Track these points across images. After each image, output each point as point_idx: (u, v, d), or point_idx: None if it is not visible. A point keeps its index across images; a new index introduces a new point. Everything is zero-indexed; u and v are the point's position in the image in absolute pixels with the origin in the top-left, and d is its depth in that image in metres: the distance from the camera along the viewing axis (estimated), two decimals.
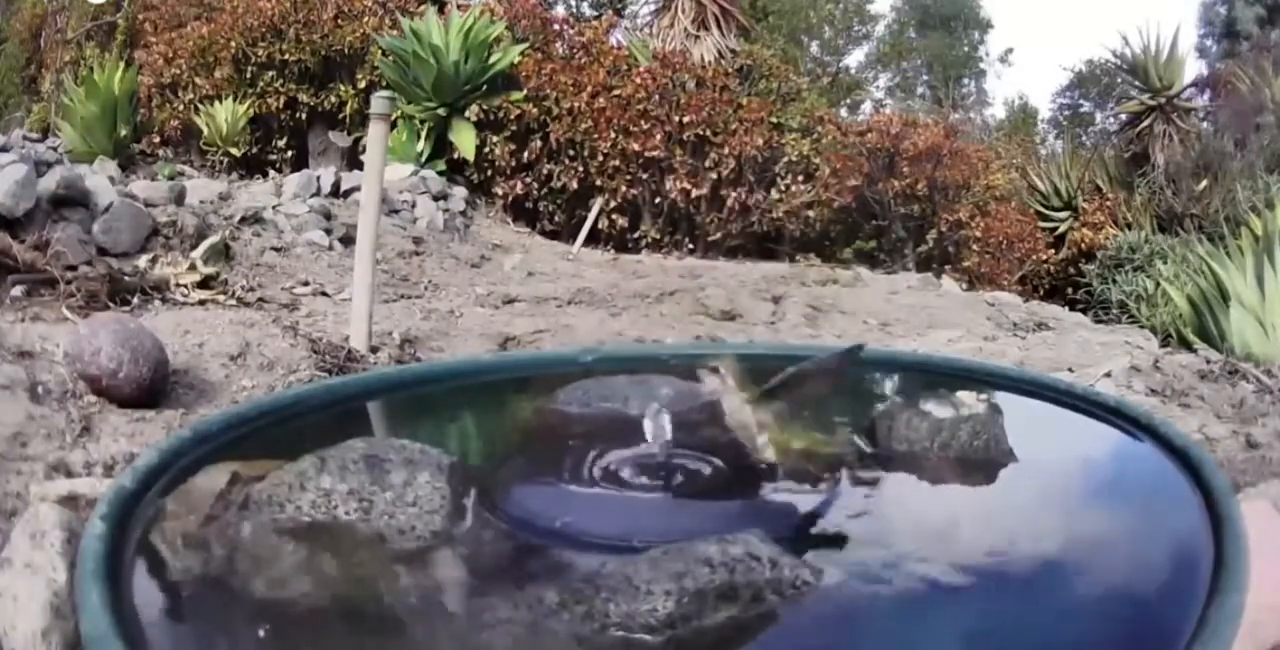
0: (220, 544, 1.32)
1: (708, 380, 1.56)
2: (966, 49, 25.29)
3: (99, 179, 4.39)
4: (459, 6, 7.71)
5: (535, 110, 7.31)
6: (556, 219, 7.55)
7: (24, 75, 10.12)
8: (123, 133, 6.31)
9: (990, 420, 1.44)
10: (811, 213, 7.77)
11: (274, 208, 4.82)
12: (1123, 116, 11.40)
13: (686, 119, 7.42)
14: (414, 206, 5.93)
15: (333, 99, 7.61)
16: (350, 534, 1.39)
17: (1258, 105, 10.16)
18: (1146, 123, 10.60)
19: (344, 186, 5.68)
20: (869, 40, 23.13)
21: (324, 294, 3.81)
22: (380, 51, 7.34)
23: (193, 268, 3.60)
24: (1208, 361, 3.30)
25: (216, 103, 7.22)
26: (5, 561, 1.62)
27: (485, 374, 2.14)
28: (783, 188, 7.72)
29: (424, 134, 7.14)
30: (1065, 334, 4.46)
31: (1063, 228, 9.92)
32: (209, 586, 1.24)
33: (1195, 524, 1.29)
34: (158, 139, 7.57)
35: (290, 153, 7.60)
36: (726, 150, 7.46)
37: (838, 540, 1.47)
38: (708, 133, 7.49)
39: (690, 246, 7.58)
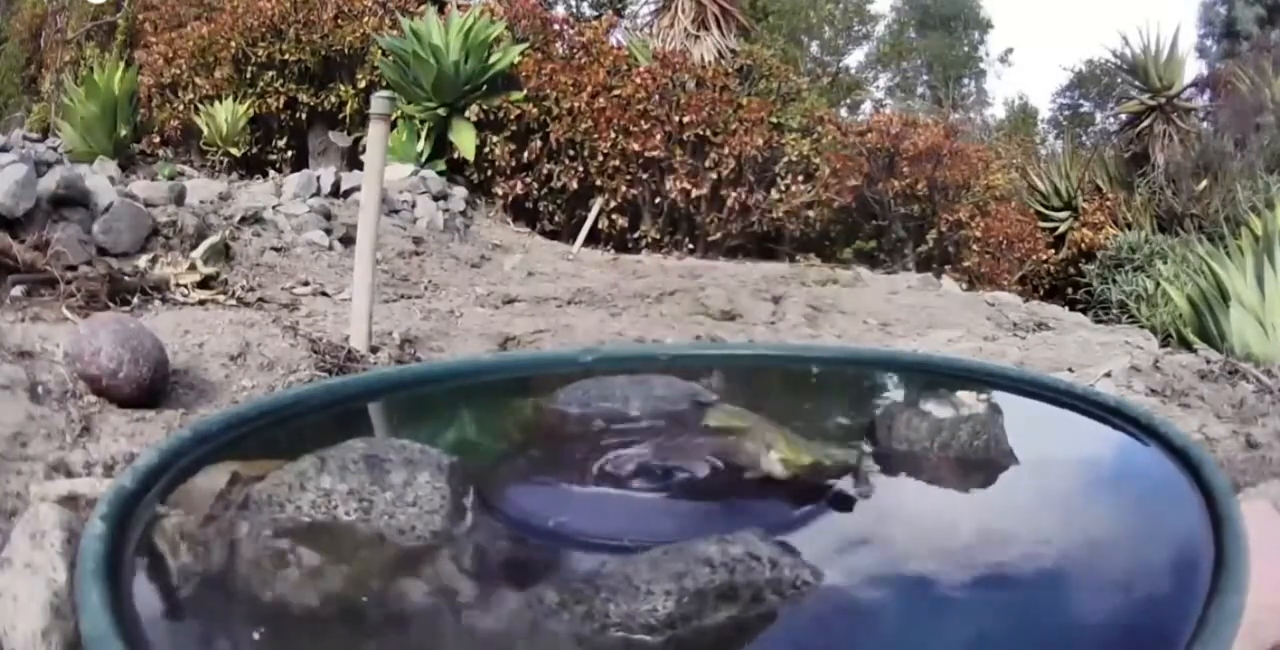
0: (220, 544, 1.32)
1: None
2: (966, 49, 25.28)
3: (99, 179, 4.39)
4: (459, 6, 7.71)
5: (535, 110, 7.31)
6: (556, 219, 7.55)
7: (24, 75, 10.12)
8: (123, 133, 6.31)
9: (990, 420, 1.44)
10: (811, 213, 7.77)
11: (274, 208, 4.82)
12: (1123, 116, 11.40)
13: (686, 119, 7.42)
14: (414, 206, 5.92)
15: (333, 99, 7.61)
16: (350, 534, 1.39)
17: (1258, 105, 10.16)
18: (1146, 123, 10.60)
19: (344, 186, 5.68)
20: (869, 40, 23.13)
21: (324, 294, 3.81)
22: (380, 51, 7.34)
23: (193, 268, 3.60)
24: (1208, 361, 3.30)
25: (216, 103, 7.22)
26: (5, 561, 1.62)
27: (485, 374, 2.14)
28: (783, 188, 7.72)
29: (424, 134, 7.14)
30: (1065, 334, 4.46)
31: (1063, 228, 9.92)
32: (209, 587, 1.24)
33: (1195, 524, 1.29)
34: (158, 139, 7.57)
35: (290, 153, 7.60)
36: (726, 150, 7.46)
37: (837, 540, 1.47)
38: (708, 133, 7.49)
39: (690, 246, 7.58)
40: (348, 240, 4.47)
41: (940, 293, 5.93)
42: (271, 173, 6.82)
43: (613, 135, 7.27)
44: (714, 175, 7.47)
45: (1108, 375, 3.32)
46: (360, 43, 7.57)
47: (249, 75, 7.55)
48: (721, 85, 7.98)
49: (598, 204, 7.38)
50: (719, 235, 7.59)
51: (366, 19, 7.67)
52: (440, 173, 6.82)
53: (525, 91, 7.34)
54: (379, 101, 3.09)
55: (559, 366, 2.22)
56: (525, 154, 7.33)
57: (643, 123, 7.35)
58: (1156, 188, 9.63)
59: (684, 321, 4.27)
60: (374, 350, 3.02)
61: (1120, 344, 4.09)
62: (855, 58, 22.35)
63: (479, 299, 4.22)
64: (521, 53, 7.47)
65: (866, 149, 8.25)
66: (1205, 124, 10.97)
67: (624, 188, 7.37)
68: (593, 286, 4.86)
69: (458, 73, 7.03)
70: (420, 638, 1.26)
